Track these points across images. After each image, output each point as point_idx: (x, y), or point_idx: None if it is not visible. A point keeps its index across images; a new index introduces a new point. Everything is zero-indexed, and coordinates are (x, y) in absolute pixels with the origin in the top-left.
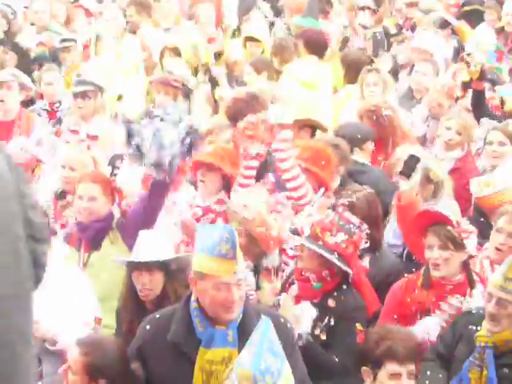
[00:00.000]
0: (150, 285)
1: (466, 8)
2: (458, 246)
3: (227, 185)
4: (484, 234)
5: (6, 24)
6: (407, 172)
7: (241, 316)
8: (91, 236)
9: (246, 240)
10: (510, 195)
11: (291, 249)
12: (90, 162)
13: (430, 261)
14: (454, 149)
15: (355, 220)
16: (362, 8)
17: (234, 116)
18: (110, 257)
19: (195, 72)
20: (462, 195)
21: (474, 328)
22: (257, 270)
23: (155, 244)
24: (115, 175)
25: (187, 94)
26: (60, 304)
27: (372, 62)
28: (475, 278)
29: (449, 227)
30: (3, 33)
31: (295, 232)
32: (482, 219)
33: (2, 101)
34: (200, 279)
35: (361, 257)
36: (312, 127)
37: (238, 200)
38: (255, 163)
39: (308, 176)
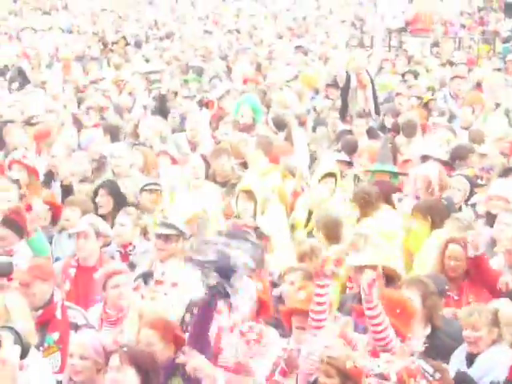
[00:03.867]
0: None
1: None
2: None
3: None
4: None
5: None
6: None
7: None
8: None
9: (339, 379)
10: None
11: None
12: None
13: None
14: None
15: (429, 368)
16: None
17: None
18: None
19: None
20: None
21: None
22: None
23: None
24: None
25: None
26: None
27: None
28: None
29: None
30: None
31: (381, 377)
32: None
33: (80, 249)
34: None
35: None
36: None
37: (315, 344)
38: (327, 287)
39: None
